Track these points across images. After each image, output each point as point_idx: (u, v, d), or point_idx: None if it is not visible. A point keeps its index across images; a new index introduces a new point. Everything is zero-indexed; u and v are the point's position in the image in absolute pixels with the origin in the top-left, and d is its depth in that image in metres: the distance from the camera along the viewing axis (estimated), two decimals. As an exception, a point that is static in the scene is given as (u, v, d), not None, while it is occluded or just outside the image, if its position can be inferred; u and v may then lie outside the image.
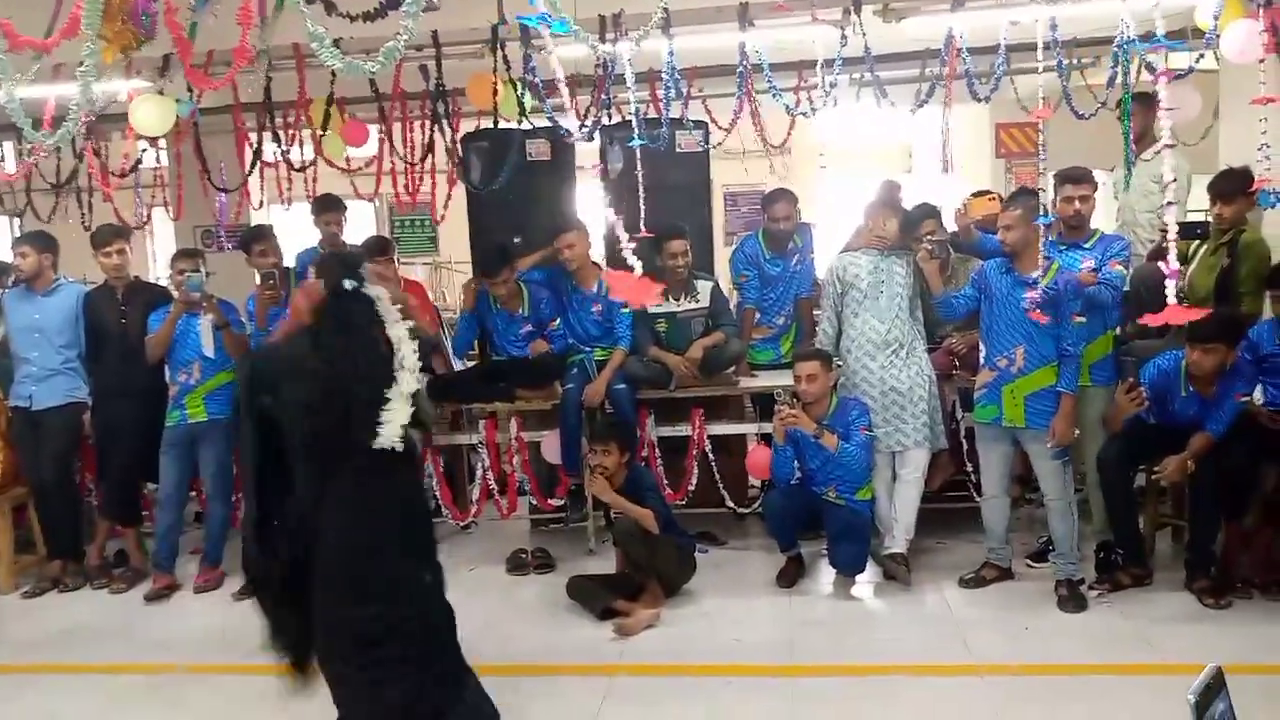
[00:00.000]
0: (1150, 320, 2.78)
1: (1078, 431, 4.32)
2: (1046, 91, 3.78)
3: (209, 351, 4.94)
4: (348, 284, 2.80)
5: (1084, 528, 4.71)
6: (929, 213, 4.91)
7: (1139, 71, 4.82)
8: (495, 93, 4.73)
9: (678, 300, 5.18)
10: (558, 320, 5.15)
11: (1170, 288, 2.13)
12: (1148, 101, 4.90)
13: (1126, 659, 3.71)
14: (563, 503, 5.31)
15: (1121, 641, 3.86)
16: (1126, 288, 4.44)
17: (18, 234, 7.16)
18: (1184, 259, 4.80)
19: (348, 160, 6.49)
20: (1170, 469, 4.10)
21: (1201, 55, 4.40)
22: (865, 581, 4.59)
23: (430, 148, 5.71)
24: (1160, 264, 2.75)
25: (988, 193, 5.57)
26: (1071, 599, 4.16)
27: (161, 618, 4.75)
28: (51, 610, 4.93)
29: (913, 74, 5.81)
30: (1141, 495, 4.61)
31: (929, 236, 4.70)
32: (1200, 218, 4.89)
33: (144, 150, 6.12)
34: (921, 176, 10.28)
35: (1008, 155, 8.90)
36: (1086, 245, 4.39)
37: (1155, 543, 4.69)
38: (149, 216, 7.40)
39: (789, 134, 6.62)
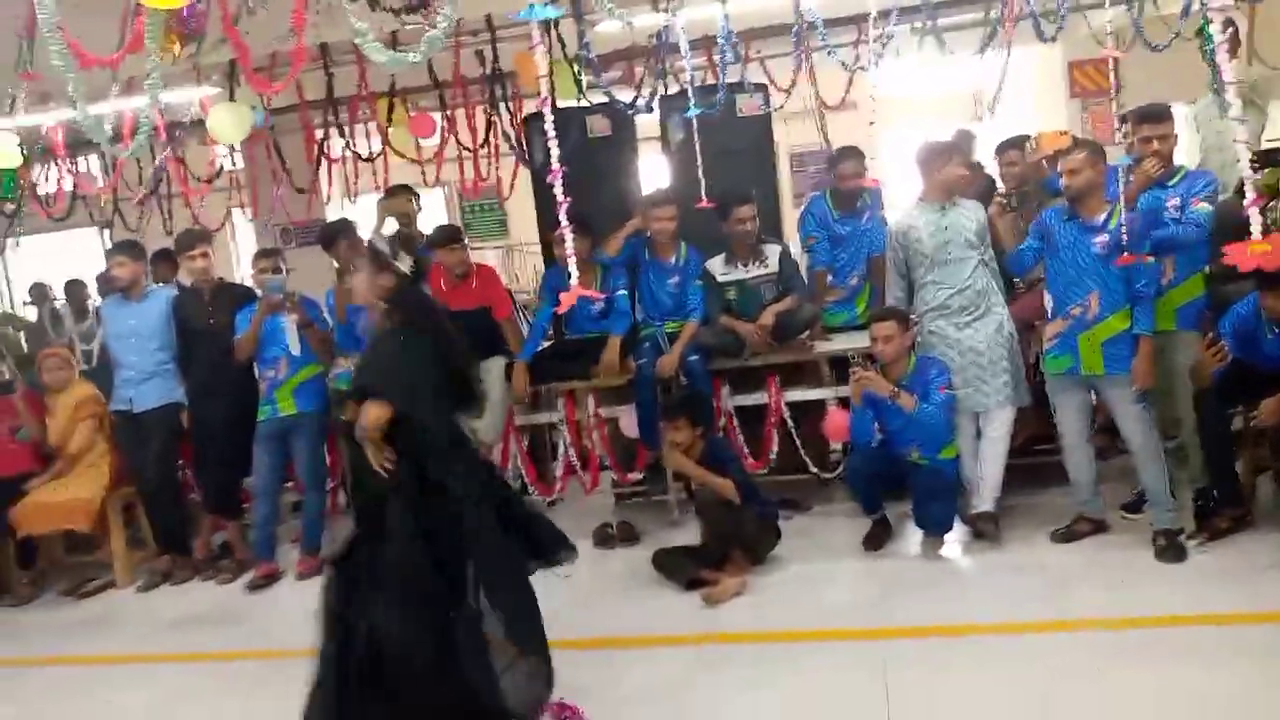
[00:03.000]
0: (1230, 258, 2.68)
1: (1176, 374, 4.19)
2: (1117, 26, 3.63)
3: (295, 350, 5.10)
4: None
5: (1180, 475, 4.58)
6: (1016, 142, 4.90)
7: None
8: (551, 72, 4.73)
9: (746, 266, 5.15)
10: (623, 290, 5.16)
11: (1254, 223, 2.02)
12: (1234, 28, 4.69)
13: (1230, 609, 3.59)
14: (643, 476, 5.35)
15: (1224, 591, 3.73)
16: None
17: (108, 244, 7.48)
18: (1275, 191, 4.60)
19: (417, 147, 6.58)
20: (1268, 410, 3.94)
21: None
22: (953, 541, 4.53)
23: (490, 131, 5.76)
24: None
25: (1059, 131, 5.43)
26: (1170, 549, 4.04)
27: (267, 605, 4.94)
28: (164, 602, 5.17)
29: (977, 18, 5.64)
30: (1239, 439, 4.45)
31: (1010, 168, 4.62)
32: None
33: (225, 155, 6.31)
34: (995, 123, 9.98)
35: (1083, 94, 8.57)
36: (1171, 184, 4.22)
37: (1256, 488, 4.52)
38: (228, 217, 7.63)
39: (847, 91, 6.49)
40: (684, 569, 4.34)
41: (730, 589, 4.18)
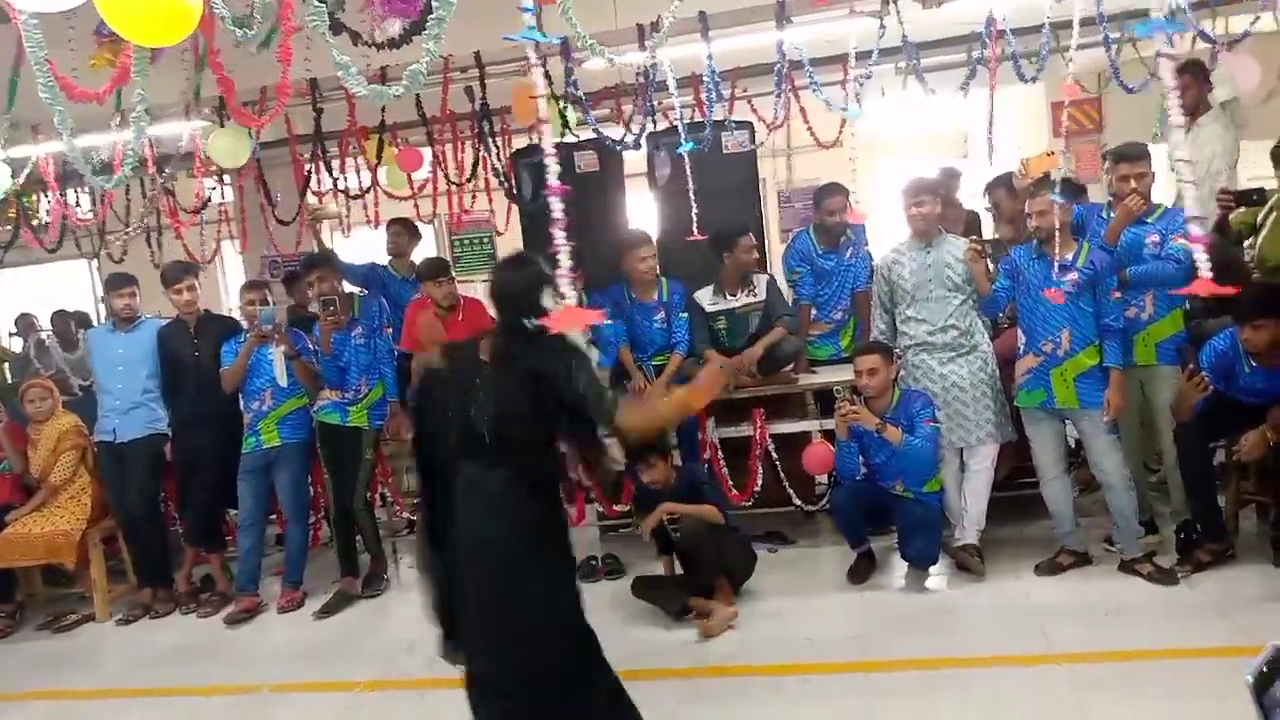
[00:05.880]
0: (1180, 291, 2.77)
1: (1157, 409, 4.24)
2: (1097, 67, 3.71)
3: (283, 381, 5.08)
4: (529, 325, 2.74)
5: (1163, 509, 4.61)
6: (1003, 180, 5.05)
7: (1193, 41, 4.69)
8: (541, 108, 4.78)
9: (735, 296, 5.18)
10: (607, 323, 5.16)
11: (1201, 259, 2.07)
12: (1200, 70, 4.78)
13: (1213, 643, 3.59)
14: (629, 508, 5.33)
15: (1207, 625, 3.74)
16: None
17: (96, 276, 7.46)
18: (1252, 229, 4.67)
19: (411, 181, 6.62)
20: (1250, 444, 3.98)
21: (1257, 17, 4.26)
22: (938, 574, 4.54)
23: (479, 167, 5.81)
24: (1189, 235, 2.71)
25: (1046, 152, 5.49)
26: (1161, 574, 4.11)
27: (248, 639, 4.90)
28: (144, 635, 5.11)
29: (959, 58, 5.73)
30: (1223, 473, 4.48)
31: (996, 209, 4.73)
32: (1263, 184, 4.72)
33: (213, 188, 6.33)
34: (979, 161, 10.10)
35: (1066, 134, 8.69)
36: (1150, 220, 4.29)
37: (1240, 521, 4.54)
38: (218, 250, 7.64)
39: (841, 129, 6.56)
40: (672, 596, 4.33)
41: (725, 618, 4.17)
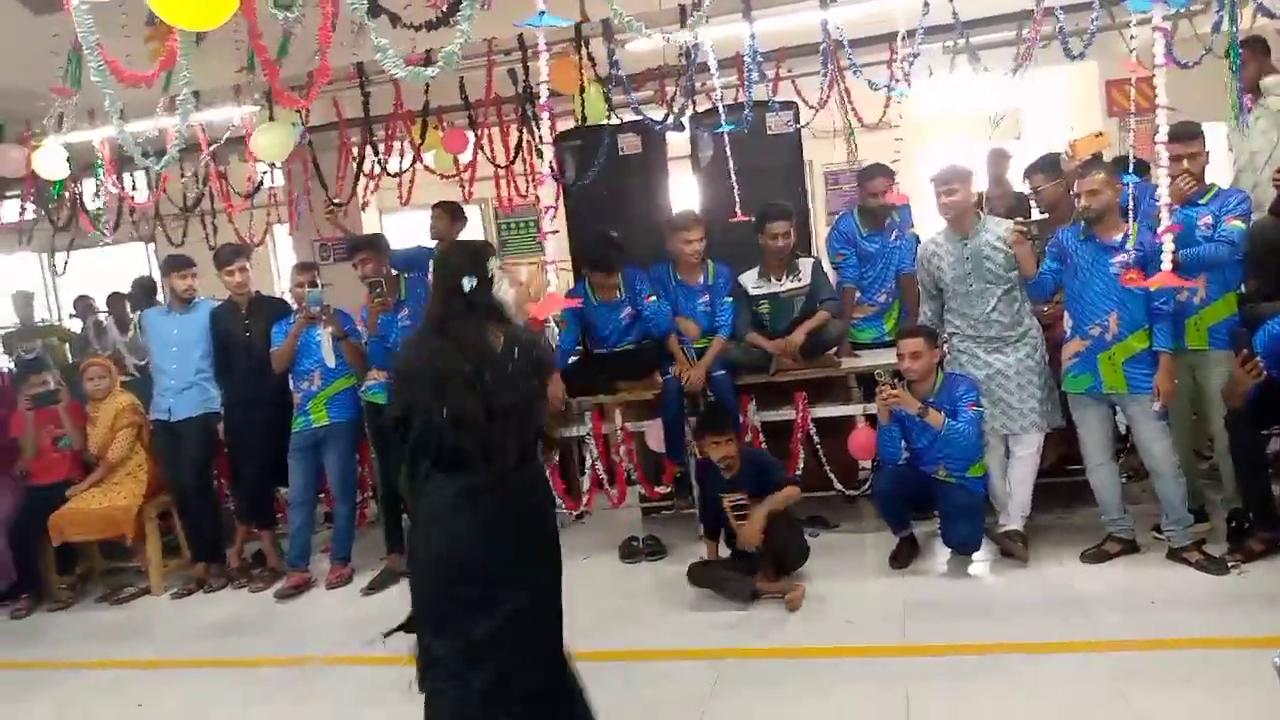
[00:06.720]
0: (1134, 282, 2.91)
1: (1208, 394, 4.15)
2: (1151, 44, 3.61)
3: (330, 362, 5.18)
4: (467, 283, 2.67)
5: (1214, 497, 4.52)
6: (1043, 165, 4.93)
7: (1254, 17, 4.55)
8: (582, 89, 4.80)
9: (779, 280, 5.15)
10: (653, 296, 5.13)
11: (1167, 251, 2.01)
12: (1260, 45, 4.64)
13: (1262, 632, 3.51)
14: (670, 490, 5.36)
15: (1256, 614, 3.66)
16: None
17: (153, 259, 7.63)
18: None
19: (456, 162, 6.68)
20: (1303, 431, 3.89)
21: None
22: (981, 560, 4.50)
23: (521, 150, 5.84)
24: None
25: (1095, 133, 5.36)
26: (1212, 563, 4.04)
27: (298, 613, 5.01)
28: (198, 609, 5.26)
29: (1009, 37, 5.62)
30: (1276, 460, 4.37)
31: (1038, 194, 4.66)
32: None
33: (265, 171, 6.44)
34: (1032, 142, 9.91)
35: (1120, 114, 8.48)
36: (1203, 202, 4.18)
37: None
38: (268, 232, 7.77)
39: (885, 110, 6.48)
40: (737, 582, 4.32)
41: (801, 590, 4.22)
